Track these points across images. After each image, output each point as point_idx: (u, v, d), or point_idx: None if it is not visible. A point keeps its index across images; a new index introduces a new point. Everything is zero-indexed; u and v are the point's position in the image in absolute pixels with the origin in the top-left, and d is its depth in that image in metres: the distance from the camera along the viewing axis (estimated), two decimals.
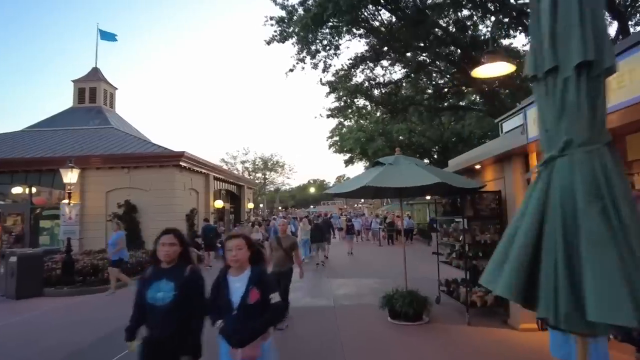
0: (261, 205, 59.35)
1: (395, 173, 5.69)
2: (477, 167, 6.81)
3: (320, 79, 15.09)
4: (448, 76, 15.58)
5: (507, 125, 6.96)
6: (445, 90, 15.88)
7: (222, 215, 24.76)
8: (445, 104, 16.49)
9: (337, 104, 16.49)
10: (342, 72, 14.39)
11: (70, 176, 12.29)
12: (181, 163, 16.21)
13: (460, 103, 17.86)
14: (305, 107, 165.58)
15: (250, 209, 29.03)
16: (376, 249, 19.45)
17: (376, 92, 15.31)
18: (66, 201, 13.03)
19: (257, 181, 49.70)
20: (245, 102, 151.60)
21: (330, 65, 14.06)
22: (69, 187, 12.66)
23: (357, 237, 21.91)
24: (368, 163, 34.51)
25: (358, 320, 7.01)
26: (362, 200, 78.99)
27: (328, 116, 17.60)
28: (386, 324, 6.62)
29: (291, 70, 14.16)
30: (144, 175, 16.26)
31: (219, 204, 19.41)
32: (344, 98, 15.31)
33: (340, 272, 12.46)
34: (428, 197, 24.97)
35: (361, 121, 24.43)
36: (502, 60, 5.53)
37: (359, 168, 46.55)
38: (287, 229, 7.34)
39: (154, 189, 16.14)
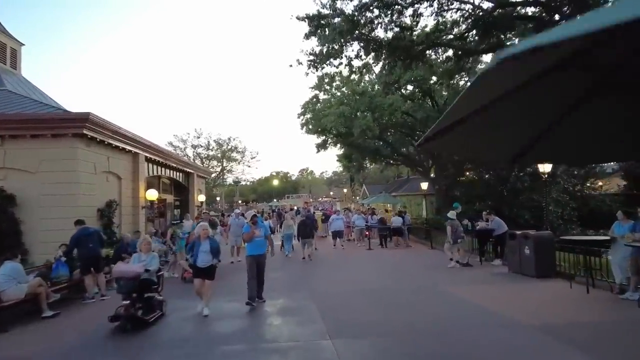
0: (218, 199, 53.66)
1: None
2: None
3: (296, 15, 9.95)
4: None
5: None
6: (487, 21, 11.02)
7: (164, 211, 19.28)
8: (482, 46, 11.75)
9: (321, 48, 11.39)
10: None
11: None
12: (86, 131, 10.78)
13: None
14: (269, 90, 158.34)
15: (202, 202, 23.55)
16: (370, 255, 14.67)
17: (380, 31, 10.47)
18: None
19: (212, 169, 43.83)
20: (200, 82, 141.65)
21: None
22: None
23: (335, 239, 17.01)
24: (343, 149, 29.84)
25: None
26: (332, 192, 74.43)
27: (310, 64, 12.51)
28: None
29: None
30: (27, 150, 10.82)
31: (152, 194, 13.97)
32: (335, 37, 10.13)
33: (350, 317, 6.45)
34: (424, 187, 20.66)
35: (344, 90, 19.50)
36: None
37: (331, 154, 41.78)
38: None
39: (44, 170, 10.77)
